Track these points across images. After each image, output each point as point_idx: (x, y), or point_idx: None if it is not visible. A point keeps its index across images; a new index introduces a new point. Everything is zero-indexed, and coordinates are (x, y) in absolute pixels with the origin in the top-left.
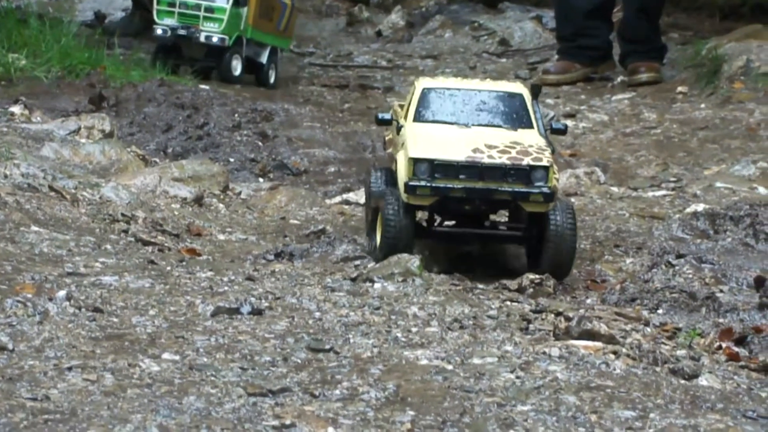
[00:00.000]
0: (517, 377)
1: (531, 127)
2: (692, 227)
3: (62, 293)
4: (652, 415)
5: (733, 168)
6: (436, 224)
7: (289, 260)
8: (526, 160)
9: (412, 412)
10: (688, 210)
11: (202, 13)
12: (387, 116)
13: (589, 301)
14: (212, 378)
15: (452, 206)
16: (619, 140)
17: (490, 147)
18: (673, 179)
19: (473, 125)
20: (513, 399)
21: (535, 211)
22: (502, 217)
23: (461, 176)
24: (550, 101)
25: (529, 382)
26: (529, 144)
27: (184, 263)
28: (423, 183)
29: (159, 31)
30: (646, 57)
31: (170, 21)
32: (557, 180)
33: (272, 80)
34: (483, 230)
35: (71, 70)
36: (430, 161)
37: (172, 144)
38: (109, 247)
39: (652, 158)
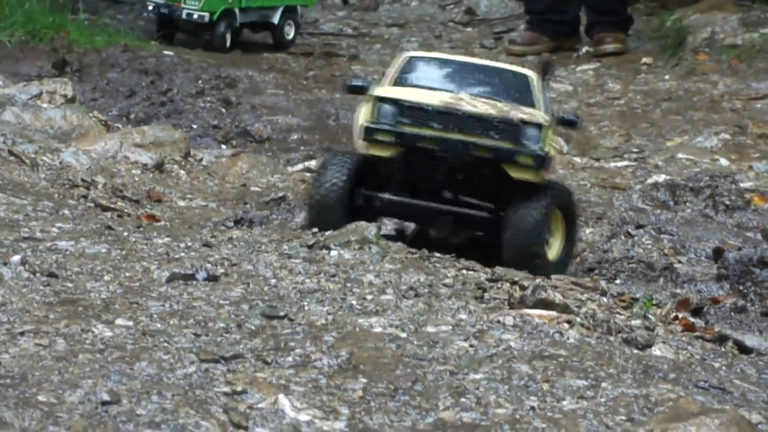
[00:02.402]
0: (471, 346)
1: (533, 106)
2: (652, 198)
3: (17, 258)
4: (604, 385)
5: (695, 139)
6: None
7: (248, 227)
8: (517, 114)
9: (364, 380)
10: (649, 181)
11: None
12: (359, 83)
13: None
14: (165, 344)
15: (418, 163)
16: (583, 110)
17: (475, 98)
18: (635, 150)
19: (463, 93)
20: (465, 367)
21: (523, 179)
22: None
23: (434, 125)
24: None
25: (482, 351)
26: (524, 110)
27: (141, 229)
28: (386, 127)
29: (150, 8)
30: (612, 28)
31: (162, 2)
32: (556, 153)
33: (290, 37)
34: (441, 205)
35: (34, 34)
36: (397, 102)
37: (134, 110)
38: (66, 212)
39: (615, 129)
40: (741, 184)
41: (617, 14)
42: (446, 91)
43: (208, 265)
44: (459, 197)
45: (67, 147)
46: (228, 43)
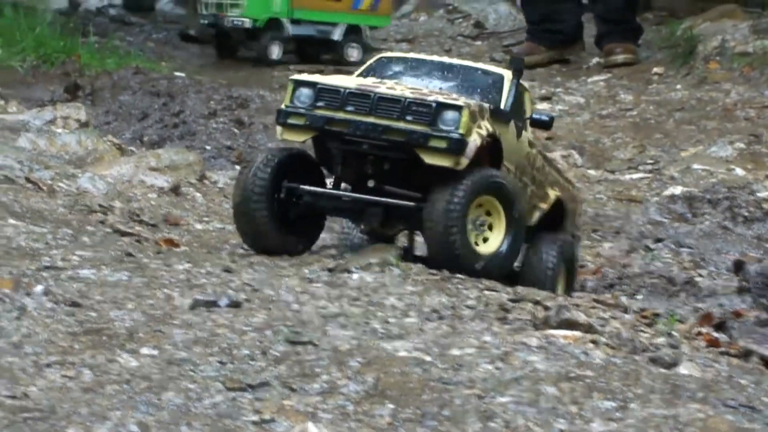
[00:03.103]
0: (497, 368)
1: (498, 104)
2: (670, 210)
3: (39, 288)
4: (632, 406)
5: (710, 149)
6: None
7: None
8: (434, 97)
9: (391, 406)
10: (666, 193)
11: (226, 1)
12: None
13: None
14: (191, 373)
15: (336, 146)
16: (596, 122)
17: (402, 86)
18: (650, 161)
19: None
20: (492, 390)
21: (438, 164)
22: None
23: (348, 108)
24: (525, 83)
25: (509, 373)
26: (458, 96)
27: (161, 255)
28: (300, 110)
29: (202, 21)
30: (622, 38)
31: (208, 12)
32: (482, 139)
33: (352, 58)
34: (366, 195)
35: (46, 59)
36: (314, 85)
37: (148, 132)
38: (86, 239)
39: (629, 140)
40: (759, 194)
41: (627, 24)
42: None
43: (230, 291)
44: (385, 187)
45: (83, 172)
46: (275, 56)
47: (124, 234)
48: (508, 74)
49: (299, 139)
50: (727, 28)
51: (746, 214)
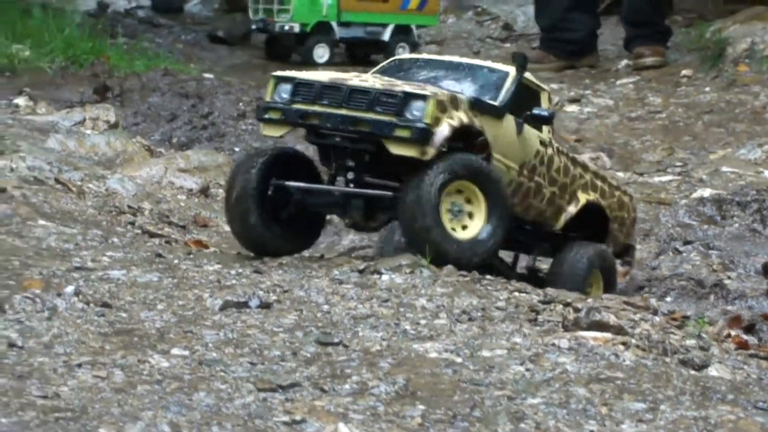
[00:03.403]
0: (527, 370)
1: (495, 99)
2: (699, 213)
3: (70, 288)
4: (662, 407)
5: (738, 152)
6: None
7: None
8: (402, 87)
9: (422, 407)
10: (695, 195)
11: (275, 6)
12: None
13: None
14: (222, 373)
15: (314, 139)
16: (624, 125)
17: (379, 79)
18: (678, 164)
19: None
20: (523, 392)
21: (405, 154)
22: None
23: (323, 101)
24: (554, 86)
25: (539, 375)
26: (440, 89)
27: (191, 256)
28: (278, 105)
29: (252, 27)
30: (651, 41)
31: (258, 17)
32: (452, 129)
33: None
34: (342, 188)
35: (75, 60)
36: (292, 80)
37: (177, 134)
38: (116, 240)
39: (658, 143)
40: None
41: (655, 27)
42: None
43: (260, 292)
44: (366, 179)
45: (113, 173)
46: (322, 58)
47: (153, 235)
48: (513, 71)
49: (277, 134)
50: (757, 30)
51: None
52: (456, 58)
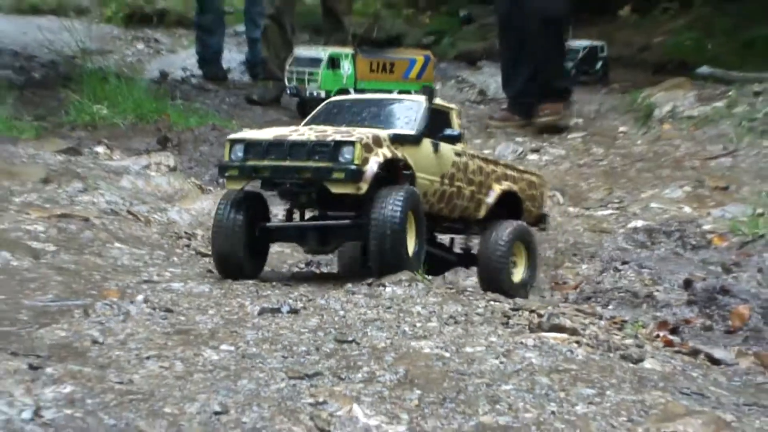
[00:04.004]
0: (501, 362)
1: (413, 129)
2: (633, 239)
3: (140, 297)
4: (608, 393)
5: (664, 191)
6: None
7: (316, 268)
8: (333, 136)
9: (418, 392)
10: (630, 225)
11: (306, 77)
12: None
13: (554, 299)
14: (260, 365)
15: (267, 187)
16: (574, 170)
17: (314, 130)
18: (616, 201)
19: (344, 125)
20: (498, 380)
21: (345, 192)
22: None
23: (271, 156)
24: (519, 139)
25: (510, 367)
26: (362, 130)
27: None
28: (234, 164)
29: (287, 92)
30: (549, 99)
31: (292, 85)
32: (379, 165)
33: None
34: (313, 222)
35: (142, 117)
36: (243, 141)
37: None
38: (175, 259)
39: (600, 184)
40: (703, 227)
41: (552, 86)
42: (342, 125)
43: (290, 301)
44: (326, 213)
45: (172, 207)
46: None
47: (204, 255)
48: (424, 101)
49: (237, 187)
50: (678, 96)
51: (693, 242)
52: (377, 96)
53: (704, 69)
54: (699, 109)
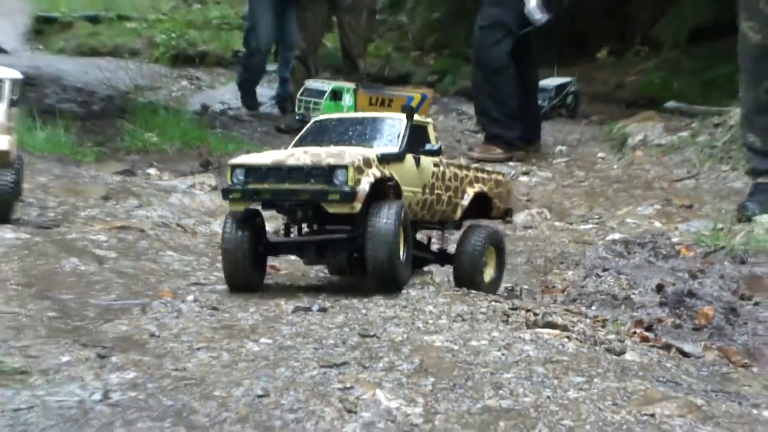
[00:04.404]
0: (502, 354)
1: (397, 145)
2: (612, 250)
3: (190, 297)
4: (595, 380)
5: (637, 209)
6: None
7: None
8: (327, 160)
9: (432, 379)
10: (608, 238)
11: (311, 106)
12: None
13: (545, 300)
14: (295, 355)
15: (268, 209)
16: (559, 190)
17: (307, 153)
18: (596, 216)
19: (333, 144)
20: (500, 369)
21: (340, 212)
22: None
23: (270, 179)
24: (511, 164)
25: (511, 358)
26: (354, 152)
27: (270, 275)
28: (236, 187)
29: (297, 117)
30: (487, 140)
31: (300, 111)
32: (371, 185)
33: None
34: (311, 237)
35: (187, 143)
36: (244, 166)
37: None
38: (218, 265)
39: (582, 202)
40: (672, 239)
41: (486, 130)
42: (330, 143)
43: (319, 301)
44: (324, 227)
45: (215, 220)
46: None
47: None
48: (402, 118)
49: (240, 209)
50: (648, 127)
51: (664, 252)
52: (360, 115)
53: (671, 104)
54: (666, 138)
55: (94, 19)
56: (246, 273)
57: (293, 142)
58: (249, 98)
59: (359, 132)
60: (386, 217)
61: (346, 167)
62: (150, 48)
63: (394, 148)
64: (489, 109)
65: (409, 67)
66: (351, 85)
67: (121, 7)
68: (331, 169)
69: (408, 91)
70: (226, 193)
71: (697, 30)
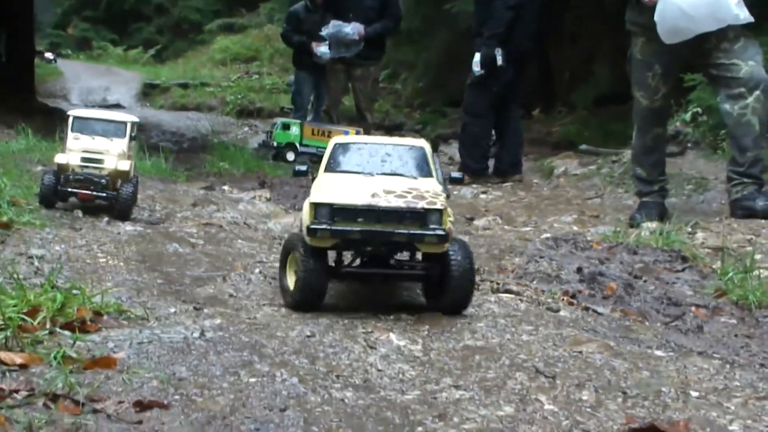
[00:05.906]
0: (475, 311)
1: (430, 175)
2: (545, 244)
3: (257, 270)
4: (540, 328)
5: (561, 217)
6: (346, 264)
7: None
8: (421, 204)
9: (428, 326)
10: (542, 236)
11: (274, 131)
12: (303, 168)
13: (500, 277)
14: (333, 311)
15: (354, 247)
16: (508, 204)
17: (388, 192)
18: (533, 222)
19: (377, 174)
20: (475, 320)
21: (431, 251)
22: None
23: (360, 219)
24: (474, 187)
25: (481, 313)
26: (425, 189)
27: None
28: (323, 226)
29: (263, 139)
30: (460, 170)
31: (266, 136)
32: (452, 222)
33: None
34: (388, 270)
35: (249, 169)
36: (330, 205)
37: (298, 204)
38: (275, 249)
39: (523, 212)
40: (587, 238)
41: (464, 164)
42: (364, 173)
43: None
44: (400, 262)
45: (269, 220)
46: (290, 159)
47: None
48: (426, 145)
49: (326, 245)
50: (568, 162)
51: (582, 246)
52: (383, 139)
53: (584, 147)
54: (580, 170)
55: (184, 86)
56: (314, 300)
57: (324, 164)
58: None
59: (391, 158)
60: (466, 257)
61: (440, 212)
62: (222, 105)
63: (429, 178)
64: (464, 148)
65: (401, 119)
66: (297, 121)
67: (203, 76)
68: (426, 213)
69: (345, 127)
70: (312, 231)
71: (601, 97)
